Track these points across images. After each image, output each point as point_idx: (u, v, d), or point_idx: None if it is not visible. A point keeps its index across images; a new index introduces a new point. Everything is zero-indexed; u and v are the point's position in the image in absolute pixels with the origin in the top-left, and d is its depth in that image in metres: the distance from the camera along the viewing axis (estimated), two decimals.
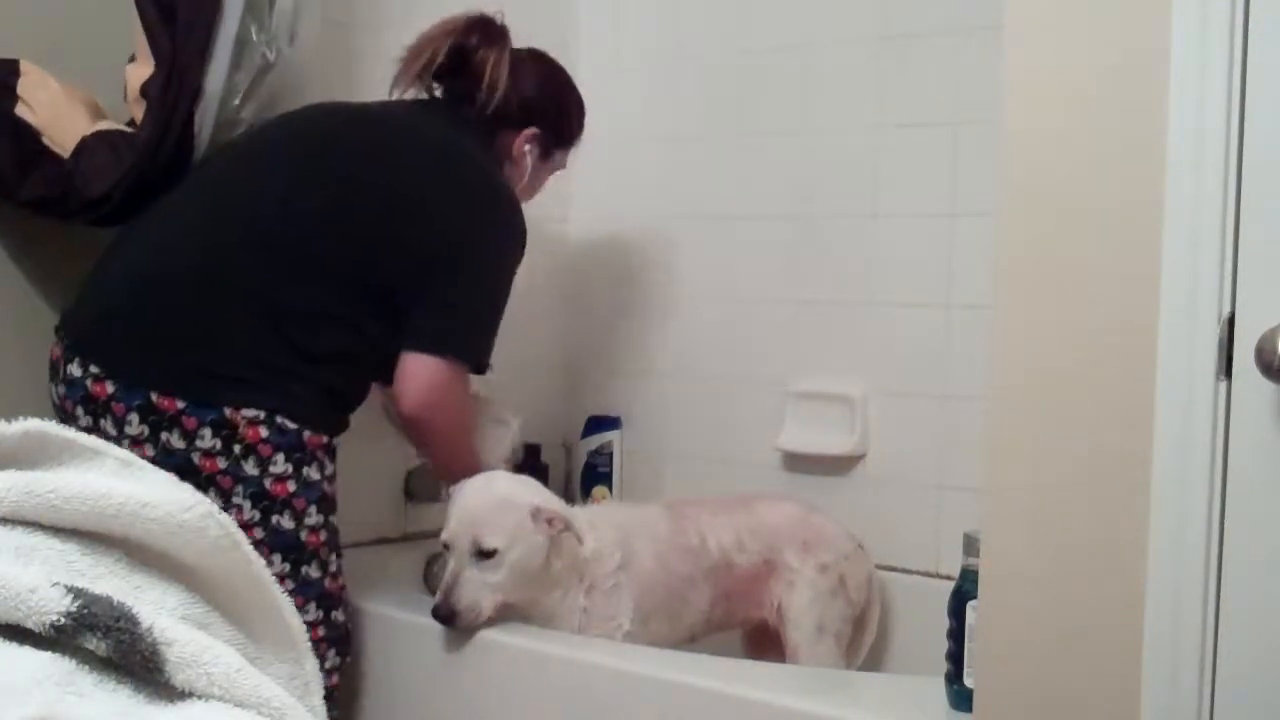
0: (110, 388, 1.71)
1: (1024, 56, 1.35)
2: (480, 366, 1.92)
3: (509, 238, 1.94)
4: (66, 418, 1.73)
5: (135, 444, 1.69)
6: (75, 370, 1.74)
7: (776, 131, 2.51)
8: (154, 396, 1.70)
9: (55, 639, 0.72)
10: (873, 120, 2.38)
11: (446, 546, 1.84)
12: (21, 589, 0.72)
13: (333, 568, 1.86)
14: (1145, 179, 1.27)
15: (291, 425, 1.77)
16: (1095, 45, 1.31)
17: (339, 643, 1.87)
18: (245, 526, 1.69)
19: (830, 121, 2.44)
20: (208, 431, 1.71)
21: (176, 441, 1.70)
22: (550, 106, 2.09)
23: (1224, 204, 1.23)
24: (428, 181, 1.87)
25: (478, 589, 1.81)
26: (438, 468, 2.09)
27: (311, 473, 1.80)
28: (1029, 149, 1.35)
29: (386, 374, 1.89)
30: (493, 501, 1.84)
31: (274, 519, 1.76)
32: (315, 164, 1.86)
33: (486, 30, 1.99)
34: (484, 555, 1.81)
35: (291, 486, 1.78)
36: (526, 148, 2.05)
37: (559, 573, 1.88)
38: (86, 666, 0.72)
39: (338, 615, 1.87)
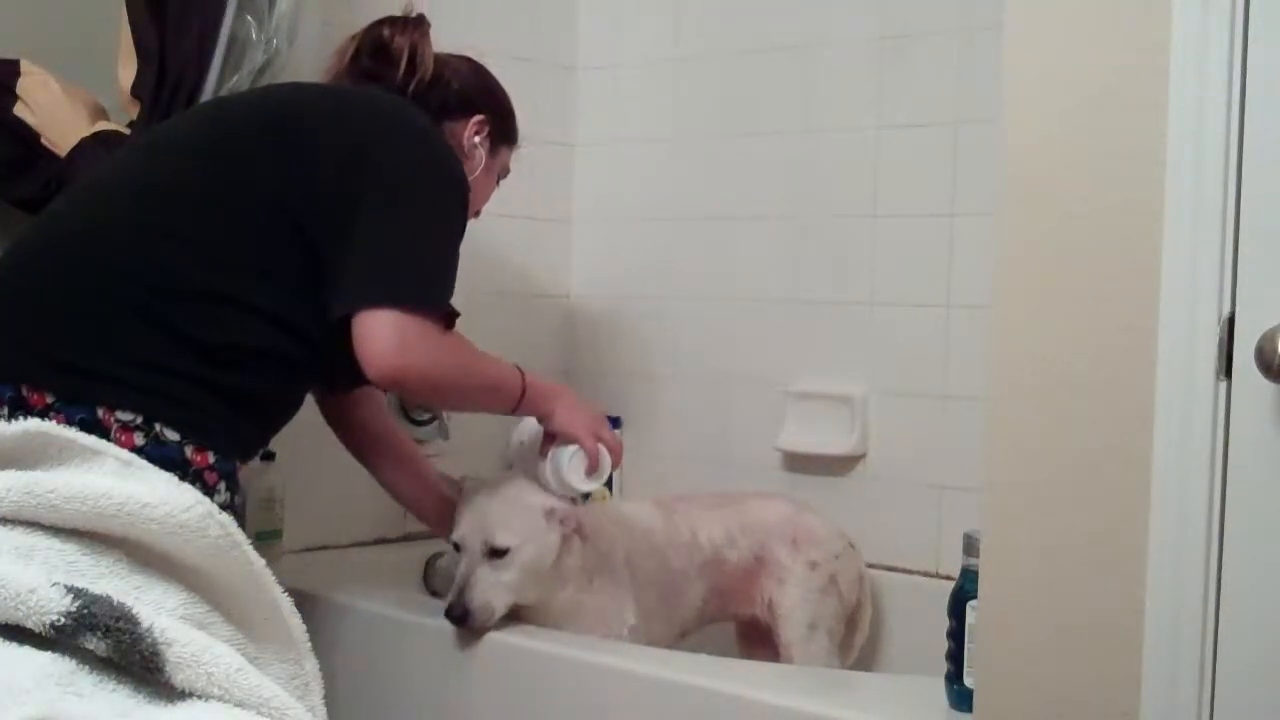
0: None
1: (1024, 56, 1.35)
2: (448, 318, 1.69)
3: (441, 170, 1.73)
4: None
5: None
6: None
7: (776, 131, 2.51)
8: (24, 390, 1.53)
9: (55, 639, 0.72)
10: (873, 120, 2.38)
11: (457, 547, 1.83)
12: (21, 589, 0.72)
13: None
14: (1145, 179, 1.27)
15: (172, 436, 1.55)
16: (1095, 45, 1.31)
17: None
18: None
19: (830, 121, 2.44)
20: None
21: None
22: (489, 96, 1.96)
23: (1224, 204, 1.23)
24: (340, 121, 1.70)
25: (490, 588, 1.79)
26: (475, 406, 1.89)
27: None
28: (1029, 149, 1.35)
29: (314, 374, 1.74)
30: (504, 500, 1.84)
31: None
32: (204, 133, 1.71)
33: (400, 21, 1.90)
34: (496, 554, 1.80)
35: None
36: (476, 138, 1.92)
37: (568, 573, 1.87)
38: (86, 666, 0.72)
39: None
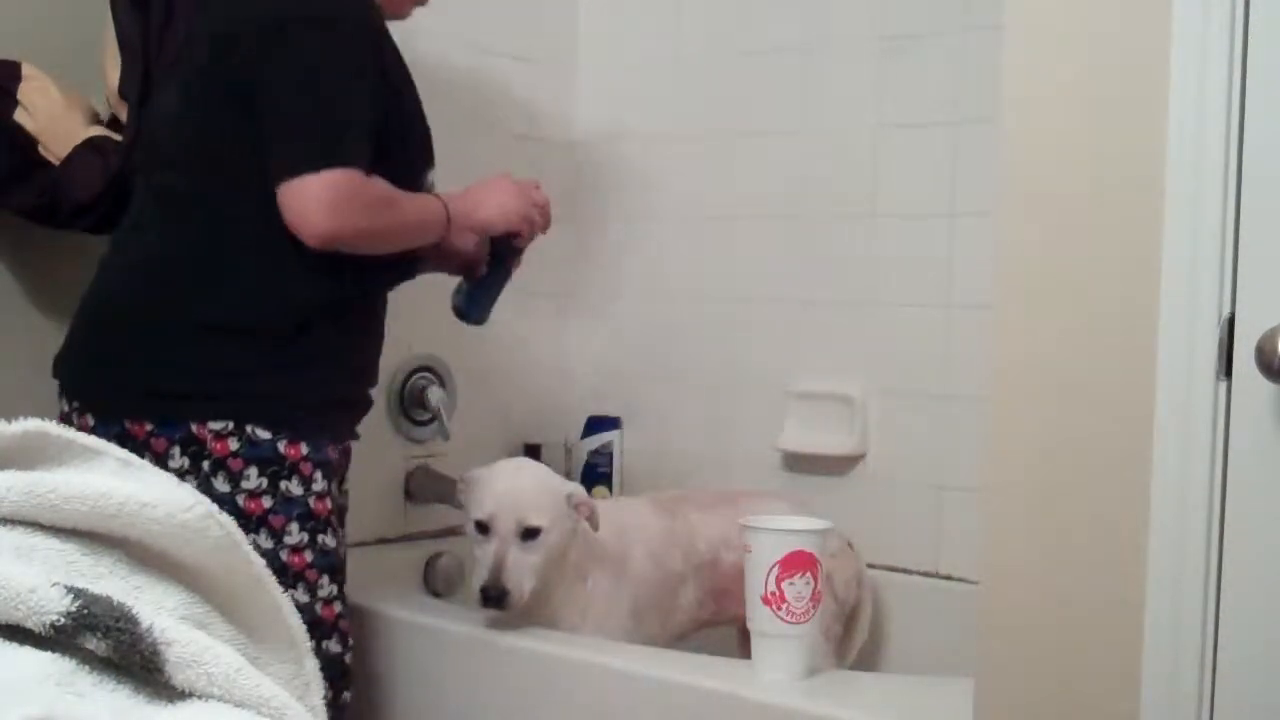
0: (91, 421, 1.64)
1: (1024, 56, 1.35)
2: (354, 157, 1.62)
3: (316, 10, 1.64)
4: None
5: None
6: (64, 407, 1.69)
7: (776, 131, 2.51)
8: (127, 424, 1.63)
9: (55, 639, 0.72)
10: (873, 120, 2.38)
11: (483, 528, 1.81)
12: (21, 589, 0.72)
13: (324, 592, 1.72)
14: (1145, 179, 1.27)
15: (264, 435, 1.65)
16: (1095, 45, 1.31)
17: (333, 678, 1.67)
18: None
19: (830, 121, 2.44)
20: (176, 450, 1.62)
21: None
22: None
23: (1224, 204, 1.23)
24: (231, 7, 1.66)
25: (523, 570, 1.79)
26: (411, 245, 1.77)
27: (292, 488, 1.67)
28: (1029, 149, 1.35)
29: (370, 299, 1.79)
30: (534, 482, 1.85)
31: (250, 539, 1.59)
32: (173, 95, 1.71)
33: None
34: (529, 535, 1.80)
35: (267, 503, 1.66)
36: None
37: (567, 566, 1.87)
38: (86, 666, 0.72)
39: (331, 646, 1.72)
